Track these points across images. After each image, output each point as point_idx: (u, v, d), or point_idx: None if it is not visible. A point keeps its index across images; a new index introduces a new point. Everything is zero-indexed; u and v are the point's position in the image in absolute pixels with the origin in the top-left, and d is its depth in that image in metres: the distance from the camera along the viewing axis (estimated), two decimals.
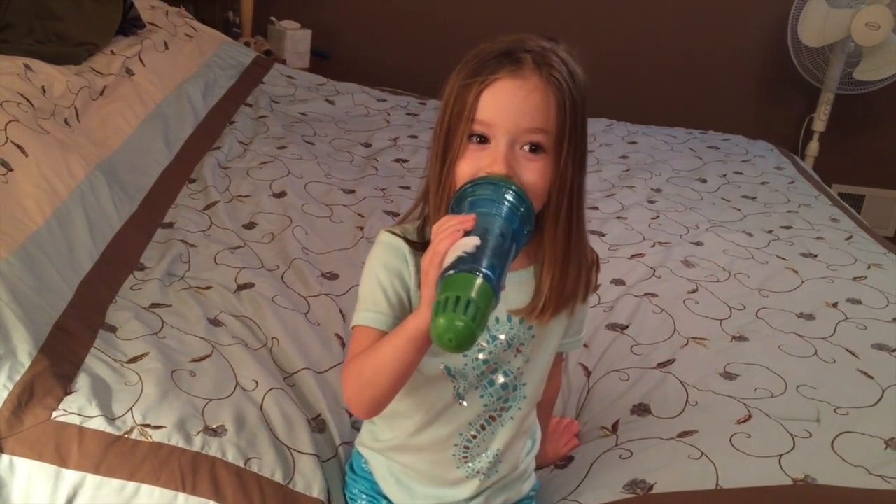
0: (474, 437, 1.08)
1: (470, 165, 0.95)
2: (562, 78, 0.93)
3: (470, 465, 1.10)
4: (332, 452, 1.27)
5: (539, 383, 1.11)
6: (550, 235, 0.99)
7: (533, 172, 0.94)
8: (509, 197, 0.91)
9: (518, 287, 1.02)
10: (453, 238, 0.86)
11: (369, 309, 0.99)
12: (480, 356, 1.04)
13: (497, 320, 1.03)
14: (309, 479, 1.20)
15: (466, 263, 0.82)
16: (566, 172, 0.95)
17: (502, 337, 1.04)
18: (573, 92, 0.94)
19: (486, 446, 1.10)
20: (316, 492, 1.19)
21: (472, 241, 0.85)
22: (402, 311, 0.99)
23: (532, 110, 0.92)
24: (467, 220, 0.87)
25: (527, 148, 0.94)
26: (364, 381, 0.96)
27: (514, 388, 1.08)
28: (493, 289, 0.81)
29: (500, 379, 1.06)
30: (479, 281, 0.81)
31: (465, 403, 1.06)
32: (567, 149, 0.94)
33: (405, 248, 0.99)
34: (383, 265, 0.99)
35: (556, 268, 1.00)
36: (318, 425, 1.31)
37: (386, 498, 1.16)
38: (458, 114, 0.95)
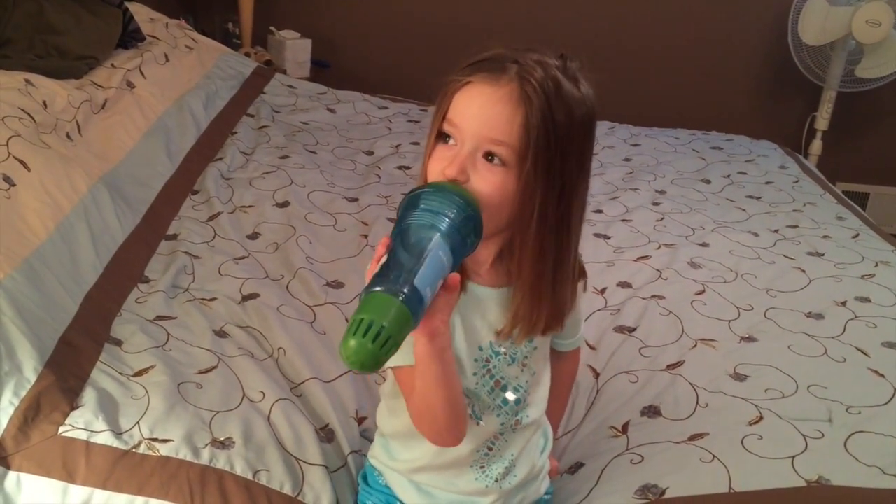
0: (490, 449, 1.08)
1: (437, 164, 0.92)
2: (536, 95, 0.88)
3: (487, 474, 1.09)
4: (341, 462, 1.26)
5: (545, 390, 1.11)
6: (518, 257, 0.95)
7: (486, 183, 0.90)
8: (429, 202, 0.86)
9: (499, 306, 1.00)
10: (378, 254, 0.84)
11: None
12: (488, 372, 1.03)
13: (497, 334, 1.02)
14: (318, 491, 1.20)
15: (379, 283, 0.78)
16: (526, 191, 0.90)
17: (503, 350, 1.03)
18: (548, 111, 0.88)
19: (502, 454, 1.09)
20: (325, 503, 1.19)
21: (383, 261, 0.82)
22: None
23: (494, 120, 0.89)
24: (381, 244, 0.84)
25: (488, 157, 0.90)
26: (426, 420, 0.97)
27: (524, 399, 1.07)
28: (410, 307, 0.77)
29: (511, 396, 1.06)
30: (392, 301, 0.77)
31: (482, 423, 1.06)
32: (530, 167, 0.89)
33: None
34: None
35: (525, 292, 0.97)
36: (326, 435, 1.30)
37: None
38: (437, 110, 0.94)
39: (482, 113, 0.89)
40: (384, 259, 0.82)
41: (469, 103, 0.91)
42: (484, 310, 1.01)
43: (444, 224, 0.84)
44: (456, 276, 0.85)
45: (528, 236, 0.93)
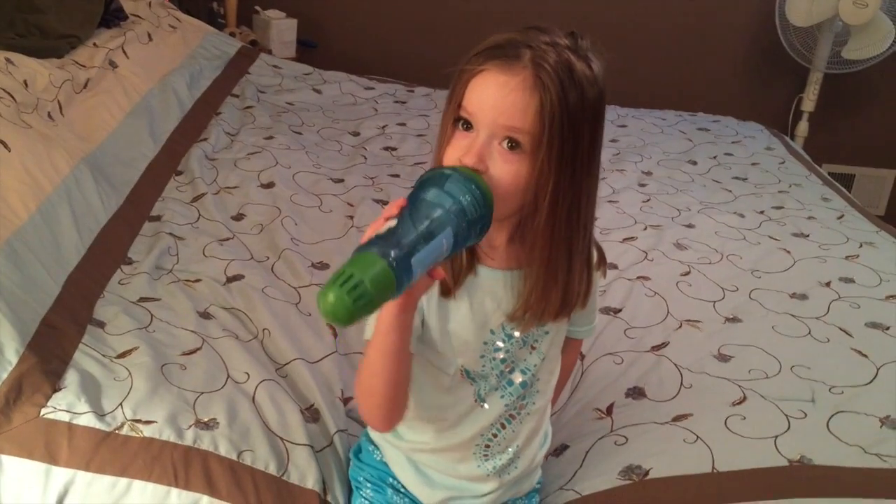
0: (495, 436, 1.08)
1: (454, 151, 0.92)
2: (551, 80, 0.87)
3: (490, 463, 1.09)
4: (326, 441, 1.26)
5: (552, 377, 1.11)
6: (530, 242, 0.95)
7: (504, 171, 0.90)
8: (452, 186, 0.86)
9: (509, 288, 0.99)
10: (378, 224, 0.83)
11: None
12: (499, 356, 1.03)
13: (508, 318, 1.01)
14: (303, 470, 1.19)
15: (376, 244, 0.78)
16: (541, 176, 0.90)
17: (517, 334, 1.02)
18: (562, 96, 0.88)
19: (507, 445, 1.09)
20: (311, 483, 1.18)
21: (389, 224, 0.81)
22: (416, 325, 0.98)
23: (510, 108, 0.88)
24: (394, 204, 0.84)
25: (506, 144, 0.90)
26: (364, 390, 0.98)
27: (532, 384, 1.07)
28: (396, 276, 0.77)
29: (519, 378, 1.06)
30: (381, 264, 0.76)
31: (486, 406, 1.06)
32: (545, 153, 0.89)
33: None
34: None
35: (537, 277, 0.96)
36: (311, 415, 1.30)
37: (393, 487, 1.15)
38: (451, 98, 0.93)
39: (498, 102, 0.89)
40: (391, 222, 0.82)
41: (484, 92, 0.90)
42: (495, 292, 1.00)
43: (458, 214, 0.84)
44: (441, 269, 0.85)
45: (539, 220, 0.92)
